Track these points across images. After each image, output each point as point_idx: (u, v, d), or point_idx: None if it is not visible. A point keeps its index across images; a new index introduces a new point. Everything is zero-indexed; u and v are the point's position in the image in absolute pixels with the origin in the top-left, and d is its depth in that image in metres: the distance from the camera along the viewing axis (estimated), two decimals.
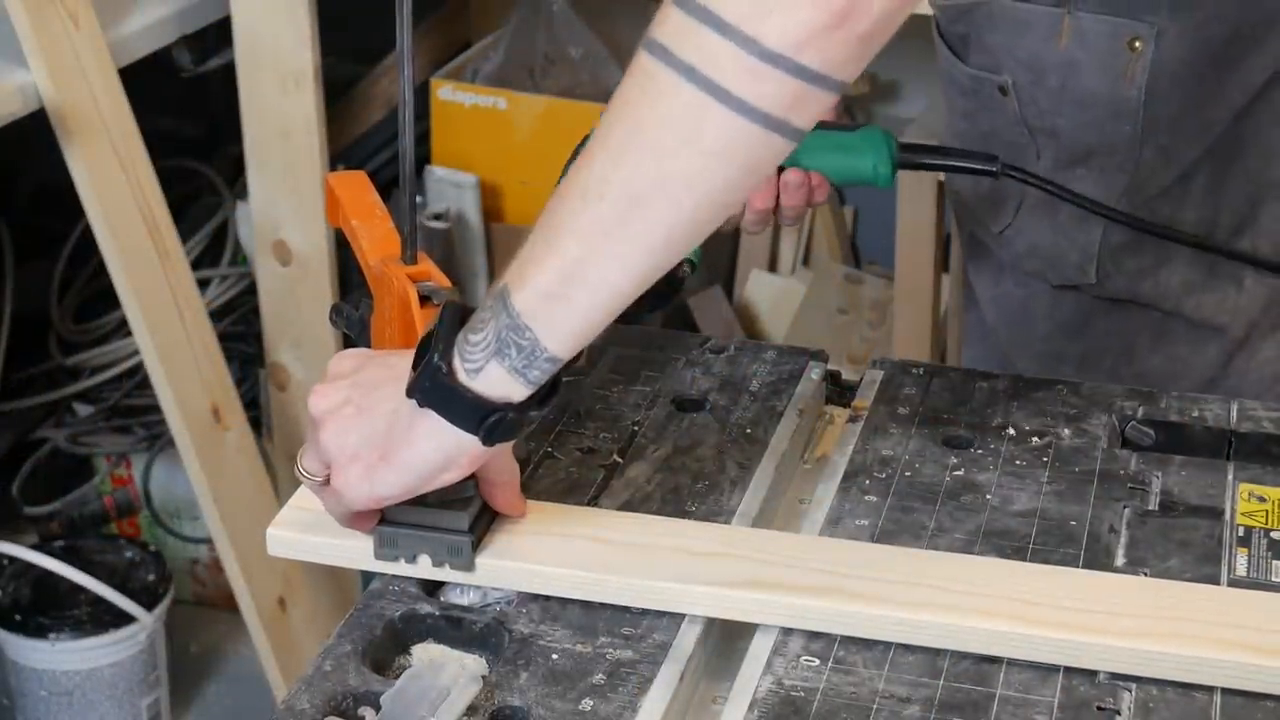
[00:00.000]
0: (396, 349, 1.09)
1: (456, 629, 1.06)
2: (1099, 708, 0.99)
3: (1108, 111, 1.37)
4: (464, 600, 1.09)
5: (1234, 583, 1.09)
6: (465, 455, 1.02)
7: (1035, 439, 1.23)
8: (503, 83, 2.54)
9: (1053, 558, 1.11)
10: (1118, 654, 1.01)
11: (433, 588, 1.10)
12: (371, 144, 2.45)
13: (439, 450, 1.01)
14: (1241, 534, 1.13)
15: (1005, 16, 1.39)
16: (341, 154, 2.39)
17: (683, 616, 1.06)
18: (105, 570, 2.25)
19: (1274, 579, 1.09)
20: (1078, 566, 1.10)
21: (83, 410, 2.45)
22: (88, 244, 2.12)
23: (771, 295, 2.80)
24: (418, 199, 2.25)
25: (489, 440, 1.01)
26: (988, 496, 1.17)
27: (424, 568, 1.08)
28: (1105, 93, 1.36)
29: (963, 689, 1.00)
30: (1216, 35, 1.33)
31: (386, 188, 2.39)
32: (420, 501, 1.07)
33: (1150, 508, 1.16)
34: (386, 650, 1.06)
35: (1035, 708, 0.99)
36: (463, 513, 1.07)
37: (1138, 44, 1.34)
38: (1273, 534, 1.13)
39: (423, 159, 2.51)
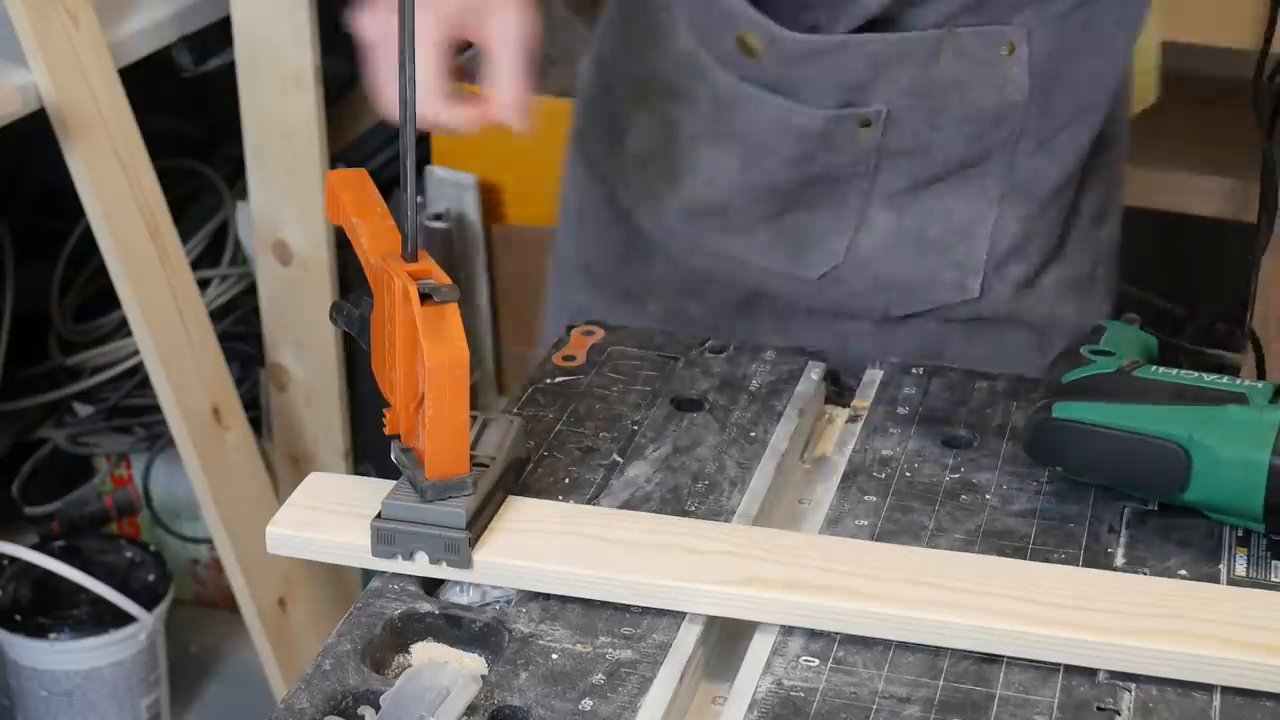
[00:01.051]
0: (395, 348, 1.09)
1: (456, 628, 1.06)
2: (1099, 708, 0.99)
3: (990, 120, 1.36)
4: (464, 599, 1.09)
5: (1234, 582, 1.09)
6: None
7: None
8: None
9: (1053, 558, 1.11)
10: (1118, 652, 1.01)
11: (432, 586, 1.10)
12: (371, 144, 2.45)
13: None
14: (1241, 534, 1.13)
15: (877, 49, 1.34)
16: (341, 154, 2.39)
17: (683, 616, 1.06)
18: (105, 570, 2.25)
19: (1274, 578, 1.10)
20: (1078, 566, 1.10)
21: (83, 410, 2.45)
22: (88, 244, 2.12)
23: None
24: (418, 199, 2.25)
25: None
26: (987, 496, 1.17)
27: (421, 565, 1.08)
28: (991, 103, 1.35)
29: (962, 689, 1.00)
30: (1075, 20, 1.34)
31: (387, 187, 2.39)
32: (418, 498, 1.08)
33: (1150, 507, 1.16)
34: (386, 649, 1.06)
35: (1035, 708, 0.99)
36: (459, 509, 1.07)
37: (1013, 46, 1.33)
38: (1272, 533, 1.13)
39: (423, 159, 2.51)
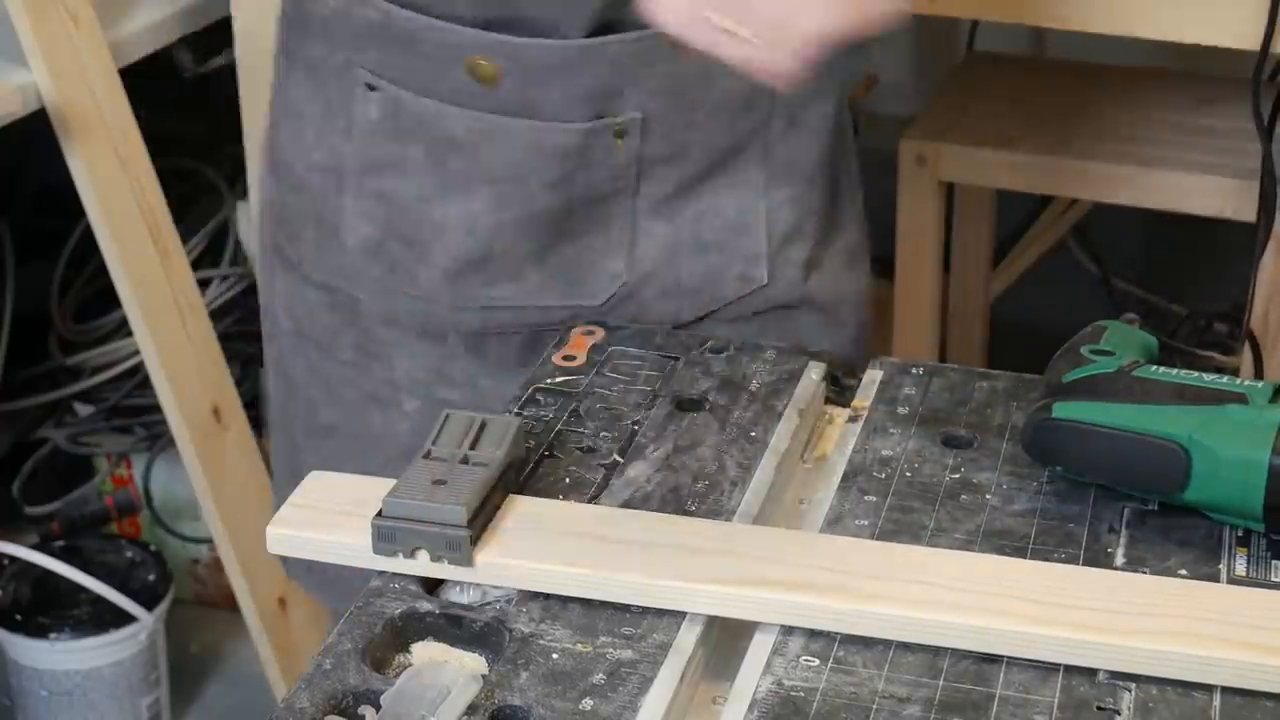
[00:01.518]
0: None
1: (457, 628, 1.06)
2: (1099, 708, 0.99)
3: (741, 105, 1.34)
4: (464, 599, 1.09)
5: (1234, 582, 1.09)
6: None
7: None
8: None
9: (1053, 557, 1.11)
10: (1118, 652, 1.01)
11: (433, 586, 1.10)
12: None
13: None
14: (1241, 534, 1.13)
15: (618, 50, 1.29)
16: None
17: (683, 616, 1.06)
18: (105, 570, 2.25)
19: (1274, 578, 1.10)
20: (1078, 566, 1.10)
21: (83, 410, 2.45)
22: (88, 244, 2.12)
23: None
24: None
25: None
26: (987, 496, 1.17)
27: (422, 564, 1.08)
28: (739, 87, 1.31)
29: (962, 689, 1.00)
30: None
31: None
32: (419, 496, 1.08)
33: (1150, 507, 1.16)
34: (387, 649, 1.06)
35: (1035, 708, 0.99)
36: (460, 507, 1.07)
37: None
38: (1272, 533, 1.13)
39: None
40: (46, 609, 2.22)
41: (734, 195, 1.36)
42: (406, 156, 1.33)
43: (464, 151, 1.32)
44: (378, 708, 0.99)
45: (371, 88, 1.32)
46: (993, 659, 1.02)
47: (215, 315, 2.30)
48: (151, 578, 2.29)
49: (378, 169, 1.35)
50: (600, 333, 1.36)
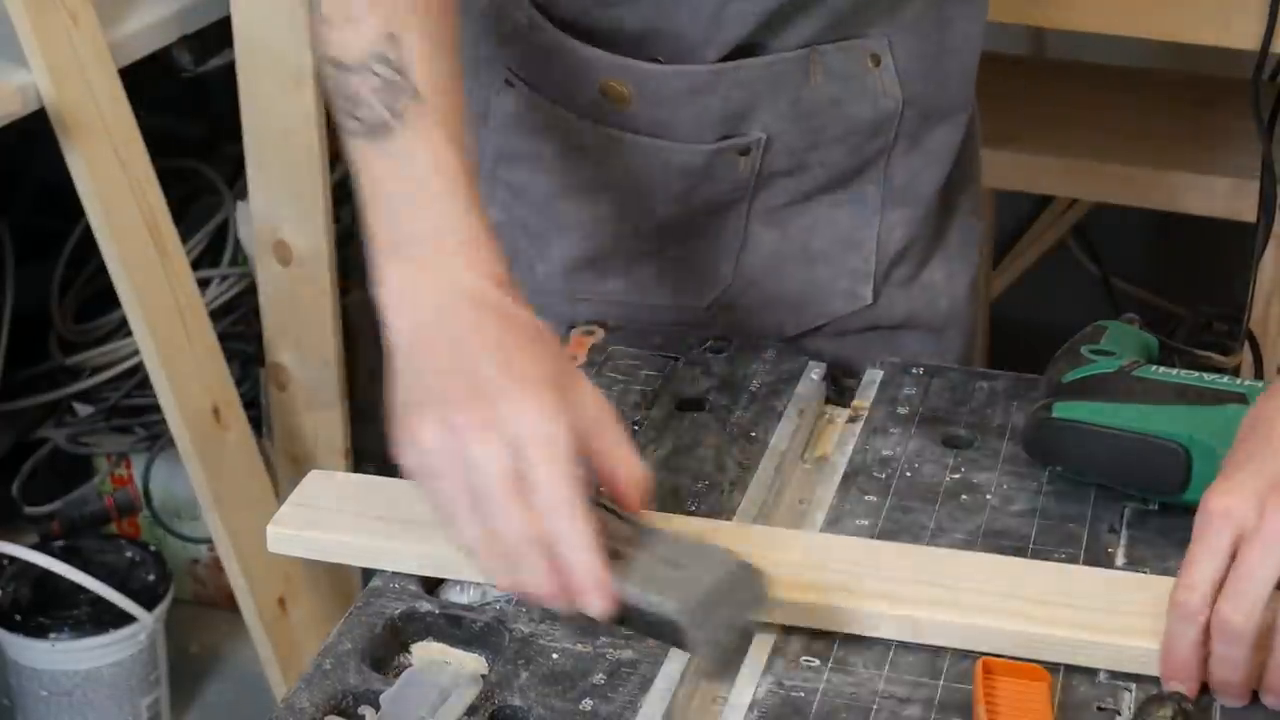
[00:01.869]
0: None
1: (456, 627, 1.06)
2: (1099, 708, 0.99)
3: (868, 131, 1.34)
4: (464, 599, 1.09)
5: None
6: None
7: None
8: None
9: (1053, 557, 1.11)
10: (1118, 652, 1.01)
11: (432, 586, 1.10)
12: None
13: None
14: None
15: (748, 75, 1.29)
16: (342, 154, 2.39)
17: None
18: (105, 570, 2.25)
19: None
20: (1078, 566, 1.10)
21: (83, 410, 2.45)
22: (88, 244, 2.12)
23: None
24: None
25: None
26: (987, 496, 1.17)
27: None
28: (867, 115, 1.33)
29: (963, 689, 1.00)
30: (928, 23, 1.33)
31: None
32: None
33: (1150, 507, 1.16)
34: (386, 649, 1.06)
35: None
36: None
37: (878, 58, 1.31)
38: None
39: None
40: (46, 609, 2.22)
41: (849, 210, 1.37)
42: (539, 154, 1.36)
43: (591, 159, 1.34)
44: (378, 708, 0.99)
45: (510, 84, 1.34)
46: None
47: (215, 315, 2.30)
48: (151, 578, 2.29)
49: (511, 161, 1.37)
50: (600, 332, 1.36)
